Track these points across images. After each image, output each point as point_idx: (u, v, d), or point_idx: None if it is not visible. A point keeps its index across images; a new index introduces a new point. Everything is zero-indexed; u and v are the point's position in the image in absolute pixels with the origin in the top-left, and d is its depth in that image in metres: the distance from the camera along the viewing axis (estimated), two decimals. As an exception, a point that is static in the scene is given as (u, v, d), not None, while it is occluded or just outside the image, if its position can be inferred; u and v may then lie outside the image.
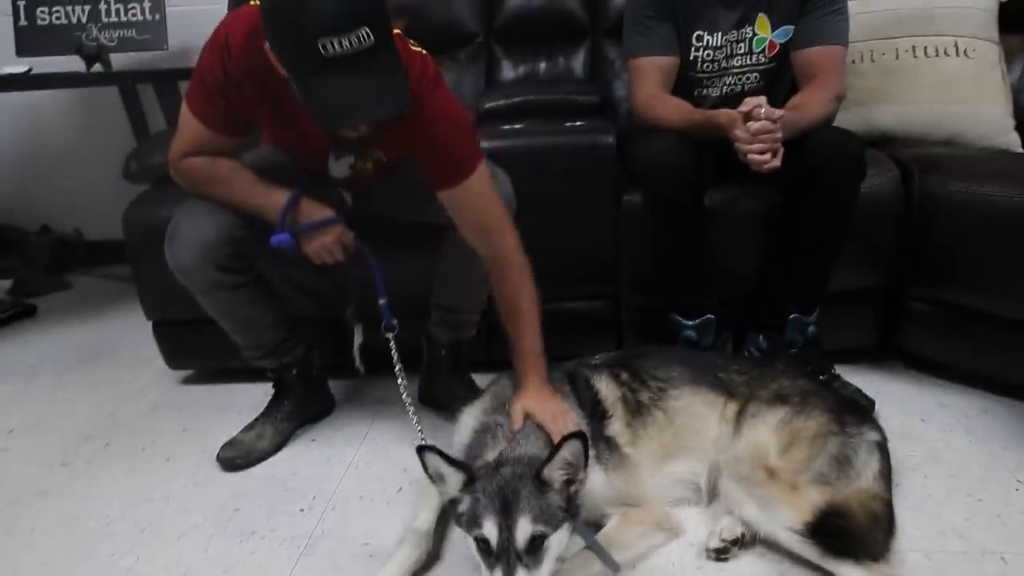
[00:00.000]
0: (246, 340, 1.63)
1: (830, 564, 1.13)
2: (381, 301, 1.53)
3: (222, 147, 1.43)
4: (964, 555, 1.22)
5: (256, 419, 1.70)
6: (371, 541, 1.33)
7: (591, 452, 1.18)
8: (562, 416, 1.31)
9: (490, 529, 1.03)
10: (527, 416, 1.32)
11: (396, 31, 1.23)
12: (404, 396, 1.52)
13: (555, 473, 1.09)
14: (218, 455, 1.62)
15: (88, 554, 1.36)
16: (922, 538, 1.25)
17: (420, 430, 1.46)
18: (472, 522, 1.06)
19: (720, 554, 1.22)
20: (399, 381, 1.54)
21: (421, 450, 1.11)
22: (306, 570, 1.27)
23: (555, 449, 1.08)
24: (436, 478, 1.13)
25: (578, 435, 1.09)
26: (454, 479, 1.11)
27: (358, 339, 1.68)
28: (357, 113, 1.22)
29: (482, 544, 1.04)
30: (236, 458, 1.61)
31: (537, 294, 1.43)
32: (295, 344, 1.69)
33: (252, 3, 1.30)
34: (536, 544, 1.03)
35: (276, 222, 1.42)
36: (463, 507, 1.09)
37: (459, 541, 1.32)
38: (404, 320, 1.56)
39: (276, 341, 1.64)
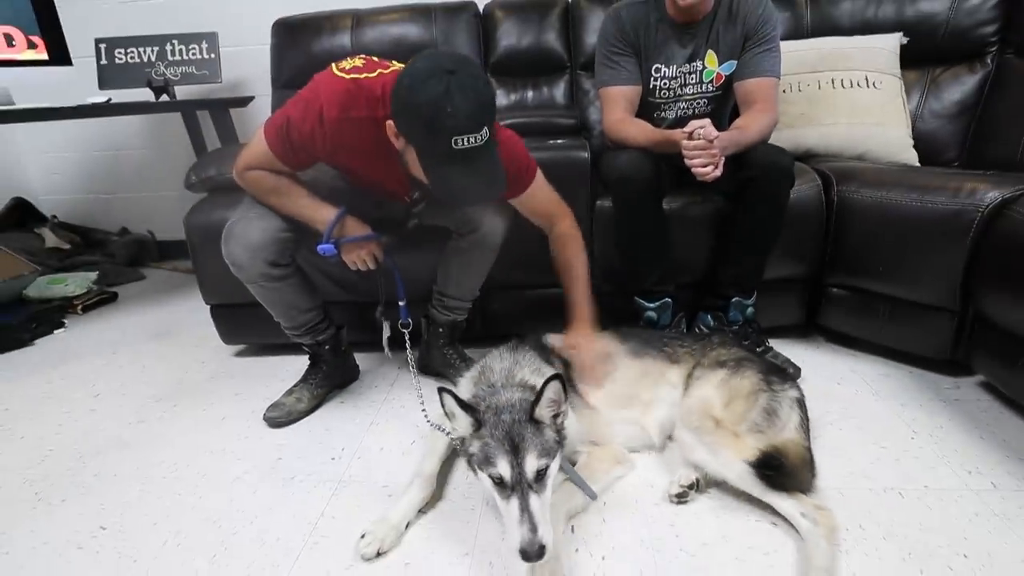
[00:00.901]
0: (287, 322, 1.61)
1: (768, 496, 1.14)
2: (401, 303, 1.56)
3: (283, 172, 1.40)
4: (870, 491, 1.23)
5: (295, 385, 1.69)
6: (389, 484, 1.33)
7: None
8: (590, 347, 1.43)
9: (504, 467, 1.02)
10: (573, 346, 1.44)
11: None
12: (414, 380, 1.53)
13: (544, 411, 1.09)
14: (264, 415, 1.61)
15: (160, 494, 1.35)
16: (837, 477, 1.26)
17: (423, 406, 1.45)
18: (485, 462, 1.05)
19: (680, 498, 1.22)
20: (411, 366, 1.54)
21: (441, 391, 1.09)
22: (336, 507, 1.27)
23: (540, 392, 1.07)
24: (450, 416, 1.12)
25: (556, 376, 1.08)
26: (464, 421, 1.09)
27: (386, 333, 1.66)
28: (471, 200, 1.36)
29: (497, 480, 1.03)
30: (279, 417, 1.60)
31: (585, 258, 1.53)
32: (328, 325, 1.68)
33: (337, 74, 1.27)
34: (541, 474, 1.04)
35: (324, 232, 1.41)
36: (473, 449, 1.08)
37: (459, 483, 1.33)
38: (415, 303, 1.59)
39: (312, 322, 1.63)
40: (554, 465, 1.08)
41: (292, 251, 1.50)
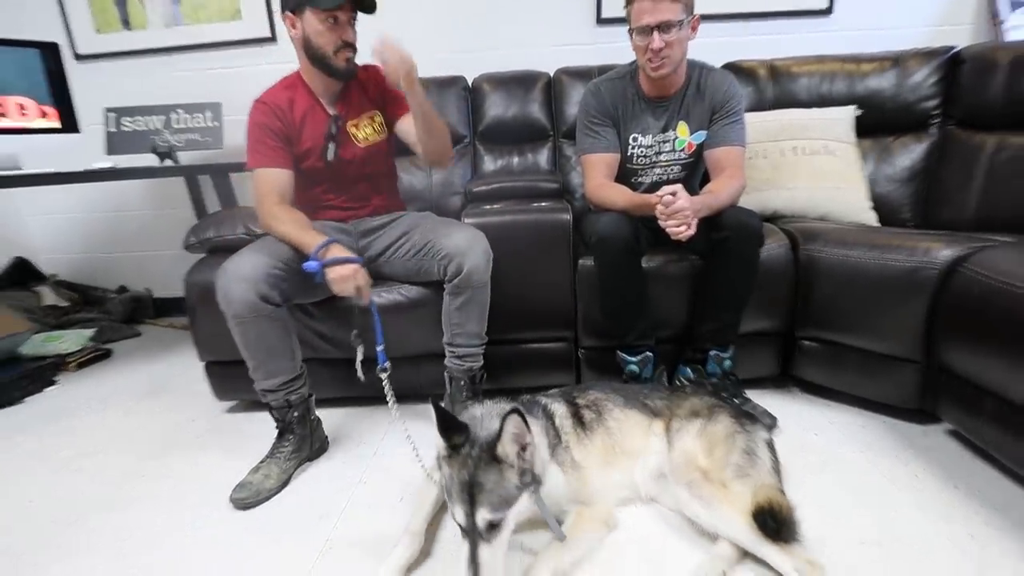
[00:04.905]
0: (265, 370, 1.55)
1: (764, 550, 1.10)
2: (379, 347, 1.53)
3: (284, 182, 1.64)
4: (850, 542, 1.21)
5: (262, 461, 1.57)
6: (378, 542, 1.28)
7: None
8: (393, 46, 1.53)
9: (459, 515, 1.02)
10: (378, 49, 1.52)
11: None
12: (397, 418, 1.51)
13: (508, 448, 1.05)
14: (231, 496, 1.46)
15: (134, 563, 1.29)
16: (819, 528, 1.23)
17: (415, 447, 1.46)
18: (448, 498, 1.06)
19: None
20: (391, 409, 1.51)
21: (436, 404, 1.09)
22: (324, 566, 1.23)
23: (500, 428, 1.04)
24: (439, 432, 1.09)
25: (515, 410, 1.03)
26: (439, 442, 1.09)
27: (359, 356, 1.61)
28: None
29: (455, 519, 1.04)
30: (247, 498, 1.46)
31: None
32: (302, 385, 1.62)
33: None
34: (494, 525, 1.01)
35: (311, 253, 1.49)
36: (442, 476, 1.08)
37: (448, 540, 1.28)
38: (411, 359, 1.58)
39: (289, 376, 1.57)
40: (514, 512, 1.05)
41: (283, 290, 1.51)
